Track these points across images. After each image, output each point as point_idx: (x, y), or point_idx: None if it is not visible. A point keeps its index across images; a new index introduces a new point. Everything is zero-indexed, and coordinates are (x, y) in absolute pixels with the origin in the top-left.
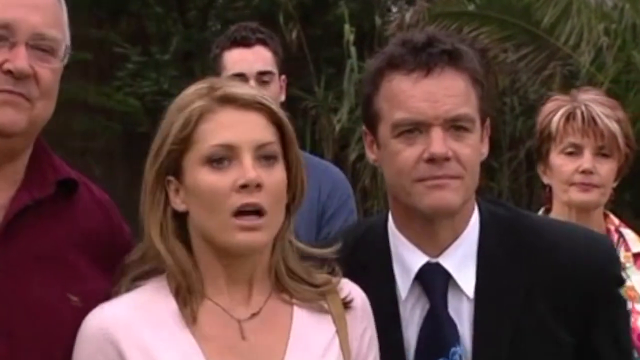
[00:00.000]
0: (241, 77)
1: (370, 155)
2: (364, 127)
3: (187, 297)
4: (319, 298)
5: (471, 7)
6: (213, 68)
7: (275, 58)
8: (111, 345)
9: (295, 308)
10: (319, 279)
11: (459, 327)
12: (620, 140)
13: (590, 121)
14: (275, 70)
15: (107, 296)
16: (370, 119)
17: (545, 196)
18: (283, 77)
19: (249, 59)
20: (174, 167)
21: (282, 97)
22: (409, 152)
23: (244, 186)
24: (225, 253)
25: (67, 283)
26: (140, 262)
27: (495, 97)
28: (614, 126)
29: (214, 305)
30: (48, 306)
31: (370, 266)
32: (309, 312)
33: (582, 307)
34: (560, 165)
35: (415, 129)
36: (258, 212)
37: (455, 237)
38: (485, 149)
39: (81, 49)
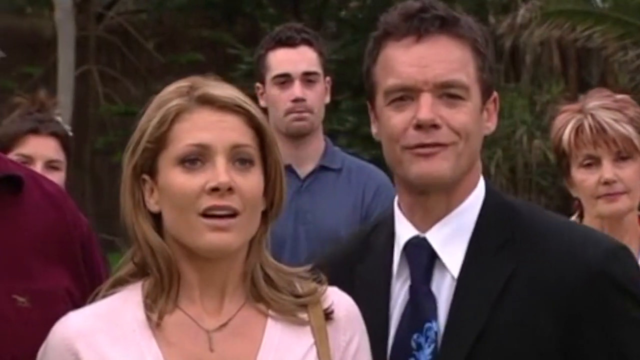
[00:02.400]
0: (286, 77)
1: (373, 130)
2: (367, 103)
3: (157, 302)
4: (298, 309)
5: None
6: (257, 69)
7: (321, 59)
8: (72, 356)
9: (270, 319)
10: (303, 288)
11: (439, 303)
12: (636, 140)
13: (600, 131)
14: (320, 71)
15: (67, 292)
16: (370, 90)
17: (577, 209)
18: (328, 78)
19: (294, 59)
20: (149, 166)
21: (327, 99)
22: (398, 118)
23: (215, 189)
24: (196, 255)
25: (13, 283)
26: (125, 265)
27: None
28: (626, 129)
29: (184, 316)
30: None
31: (376, 245)
32: (285, 324)
33: (567, 303)
34: (582, 181)
35: (406, 96)
36: (230, 214)
37: (449, 210)
38: (491, 124)
39: (194, 50)
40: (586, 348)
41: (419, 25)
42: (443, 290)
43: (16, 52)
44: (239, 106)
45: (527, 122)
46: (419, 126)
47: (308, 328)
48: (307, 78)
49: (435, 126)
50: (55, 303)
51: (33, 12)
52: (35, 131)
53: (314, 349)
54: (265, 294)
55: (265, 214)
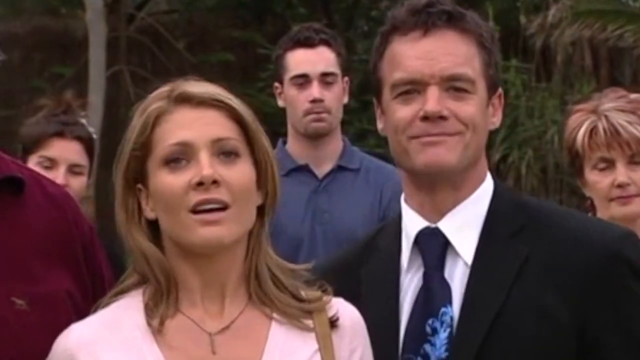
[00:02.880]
0: (304, 77)
1: (379, 125)
2: (374, 99)
3: (158, 308)
4: (303, 315)
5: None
6: (276, 69)
7: (339, 59)
8: (70, 358)
9: (274, 322)
10: (308, 295)
11: (453, 290)
12: None
13: (614, 133)
14: (338, 71)
15: (67, 294)
16: (376, 85)
17: (588, 207)
18: (346, 78)
19: (312, 60)
20: (140, 174)
21: (345, 99)
22: (405, 111)
23: (200, 184)
24: (194, 255)
25: (12, 286)
26: (128, 276)
27: None
28: None
29: (186, 319)
30: None
31: (382, 244)
32: (289, 328)
33: (582, 286)
34: (596, 183)
35: (413, 89)
36: (220, 208)
37: (457, 202)
38: (496, 120)
39: (225, 49)
40: (599, 329)
41: (426, 20)
42: (456, 277)
43: (48, 52)
44: (218, 100)
45: (558, 122)
46: (426, 117)
47: (313, 334)
48: (325, 79)
49: (442, 117)
50: (55, 305)
51: (66, 13)
52: (60, 134)
53: (318, 355)
54: (271, 293)
55: (261, 209)
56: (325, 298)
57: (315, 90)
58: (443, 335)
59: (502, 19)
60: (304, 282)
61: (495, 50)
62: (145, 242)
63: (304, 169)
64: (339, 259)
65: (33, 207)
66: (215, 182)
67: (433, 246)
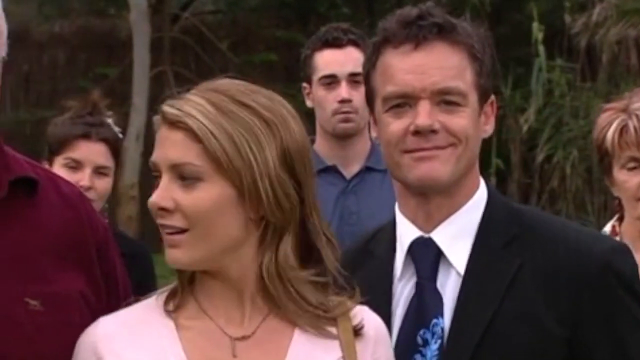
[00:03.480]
0: (332, 78)
1: (372, 133)
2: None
3: (180, 308)
4: (327, 323)
5: None
6: (304, 70)
7: None
8: (93, 351)
9: (297, 331)
10: (332, 302)
11: (445, 300)
12: None
13: None
14: None
15: (81, 295)
16: (368, 95)
17: (616, 207)
18: None
19: (340, 60)
20: None
21: None
22: (397, 125)
23: (158, 209)
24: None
25: (26, 286)
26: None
27: None
28: None
29: (209, 322)
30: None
31: (377, 251)
32: (312, 336)
33: (573, 298)
34: (624, 182)
35: (404, 102)
36: (177, 232)
37: (451, 212)
38: (488, 127)
39: (268, 50)
40: (590, 340)
41: (417, 33)
42: (448, 287)
43: (93, 53)
44: (181, 122)
45: None
46: (417, 132)
47: (336, 342)
48: (354, 79)
49: (433, 131)
50: (68, 306)
51: (112, 13)
52: (86, 136)
53: None
54: (293, 303)
55: (268, 222)
56: (349, 304)
57: (343, 90)
58: (434, 346)
59: (547, 18)
60: (336, 286)
61: (488, 59)
62: None
63: (332, 170)
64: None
65: (47, 208)
66: (163, 209)
67: (426, 256)
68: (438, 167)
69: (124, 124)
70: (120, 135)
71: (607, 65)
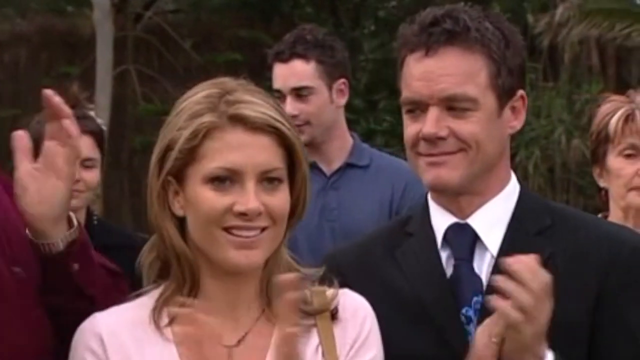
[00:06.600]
0: (279, 93)
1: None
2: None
3: (174, 303)
4: (306, 317)
5: None
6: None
7: (320, 68)
8: (100, 341)
9: (276, 327)
10: (314, 301)
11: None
12: None
13: None
14: (313, 84)
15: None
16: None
17: (601, 200)
18: (343, 80)
19: (284, 75)
20: (176, 172)
21: (342, 102)
22: (412, 128)
23: (243, 214)
24: (217, 267)
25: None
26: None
27: None
28: None
29: (204, 326)
30: None
31: (417, 231)
32: None
33: (604, 273)
34: (619, 169)
35: (416, 107)
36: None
37: (482, 203)
38: (516, 123)
39: (232, 49)
40: (618, 306)
41: (427, 40)
42: (483, 270)
43: (55, 52)
44: (271, 126)
45: (566, 121)
46: (424, 139)
47: (313, 329)
48: (297, 93)
49: (440, 138)
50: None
51: (73, 12)
52: None
53: (320, 350)
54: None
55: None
56: (328, 293)
57: (288, 106)
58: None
59: (510, 18)
60: (311, 282)
61: (510, 57)
62: (178, 239)
63: (312, 167)
64: (360, 246)
65: None
66: (259, 213)
67: (463, 239)
68: (447, 172)
69: None
70: (104, 127)
71: (569, 65)
